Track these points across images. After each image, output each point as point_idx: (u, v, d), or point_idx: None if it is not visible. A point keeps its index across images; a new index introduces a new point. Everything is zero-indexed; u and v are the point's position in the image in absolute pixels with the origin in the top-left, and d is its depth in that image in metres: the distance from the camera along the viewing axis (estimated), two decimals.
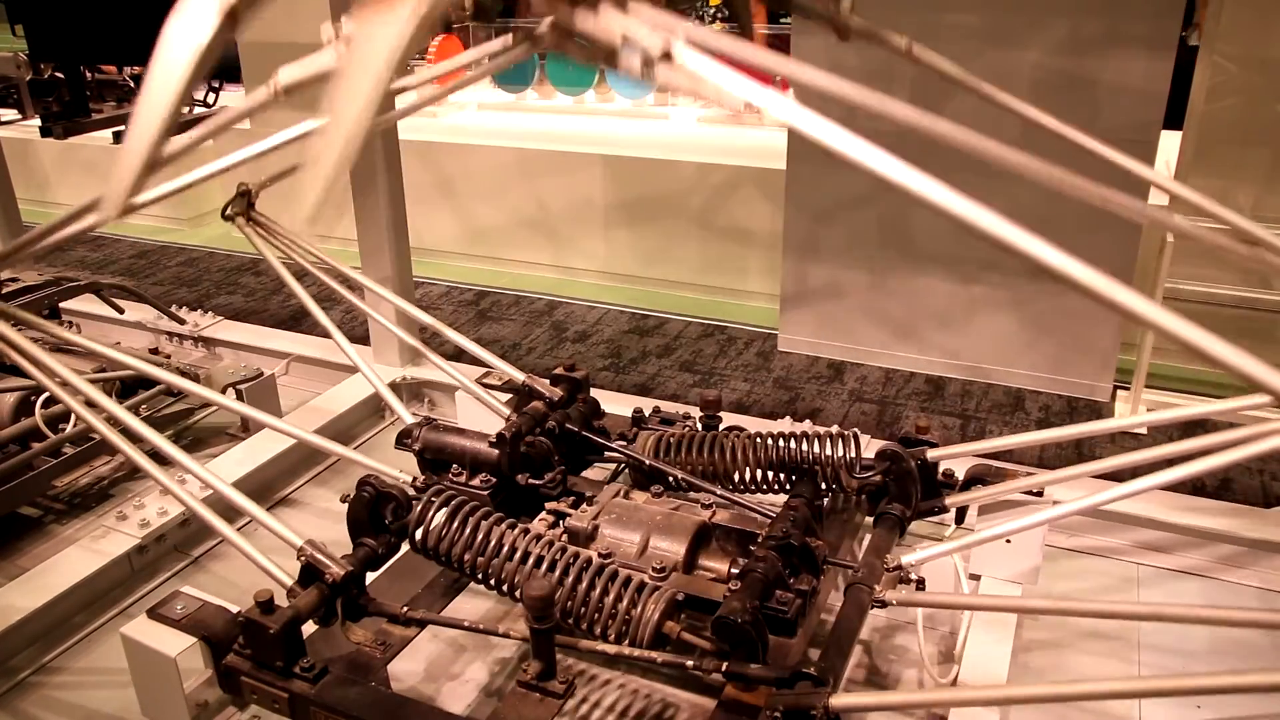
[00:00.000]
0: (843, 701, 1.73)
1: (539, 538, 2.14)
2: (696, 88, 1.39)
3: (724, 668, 1.86)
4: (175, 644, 2.03)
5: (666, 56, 1.38)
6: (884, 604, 2.09)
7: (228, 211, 3.11)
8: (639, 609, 1.99)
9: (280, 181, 3.08)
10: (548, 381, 2.79)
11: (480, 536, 2.15)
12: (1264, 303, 3.76)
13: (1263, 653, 2.56)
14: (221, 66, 7.17)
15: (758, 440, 2.57)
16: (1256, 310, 3.88)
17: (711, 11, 7.93)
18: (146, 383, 3.56)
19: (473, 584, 2.27)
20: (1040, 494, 2.42)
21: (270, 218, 3.12)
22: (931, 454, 2.44)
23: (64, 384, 2.39)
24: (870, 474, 2.44)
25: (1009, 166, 1.67)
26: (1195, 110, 3.55)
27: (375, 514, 2.23)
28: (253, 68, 5.78)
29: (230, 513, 2.27)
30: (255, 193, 3.11)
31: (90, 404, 2.38)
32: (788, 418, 3.55)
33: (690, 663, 1.90)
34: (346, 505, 2.26)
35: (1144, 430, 3.74)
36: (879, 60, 3.92)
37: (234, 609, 2.08)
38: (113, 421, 2.34)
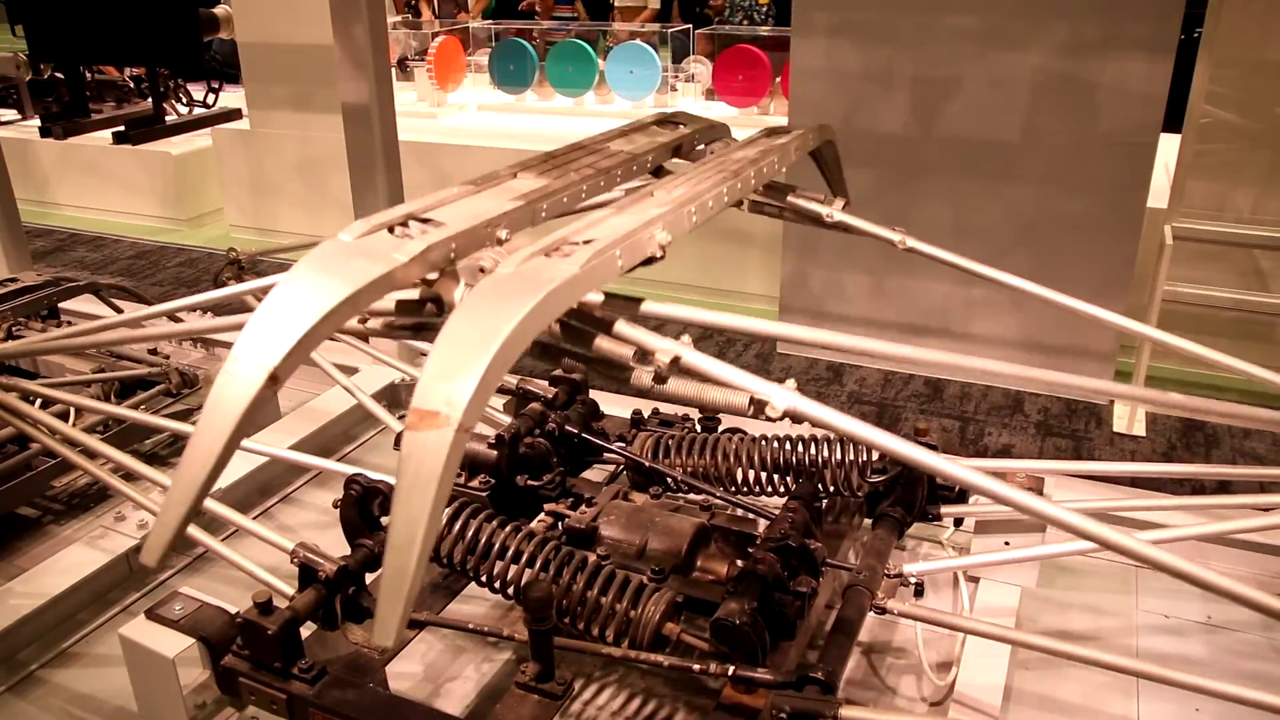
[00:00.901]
0: (852, 714, 1.73)
1: (538, 539, 2.14)
2: (701, 394, 1.58)
3: (730, 671, 1.86)
4: (173, 645, 2.03)
5: (676, 364, 1.53)
6: (884, 611, 2.10)
7: (220, 278, 3.18)
8: (639, 610, 1.99)
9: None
10: (546, 383, 2.79)
11: (479, 538, 2.15)
12: (1262, 305, 3.77)
13: (1262, 655, 2.57)
14: (222, 67, 7.18)
15: (762, 443, 2.57)
16: (1254, 313, 3.89)
17: (762, 11, 7.94)
18: (146, 383, 3.56)
19: (471, 585, 2.27)
20: (1040, 485, 2.43)
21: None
22: None
23: (36, 424, 2.42)
24: (882, 478, 2.43)
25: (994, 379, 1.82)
26: (1194, 113, 3.56)
27: (367, 511, 2.23)
28: (253, 68, 5.79)
29: (219, 520, 2.28)
30: (245, 260, 3.17)
31: (71, 440, 2.41)
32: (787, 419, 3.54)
33: (696, 666, 1.90)
34: (339, 510, 2.26)
35: (1143, 433, 3.74)
36: (879, 61, 3.94)
37: (232, 610, 2.08)
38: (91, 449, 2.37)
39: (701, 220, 1.85)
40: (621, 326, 1.59)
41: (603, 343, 1.58)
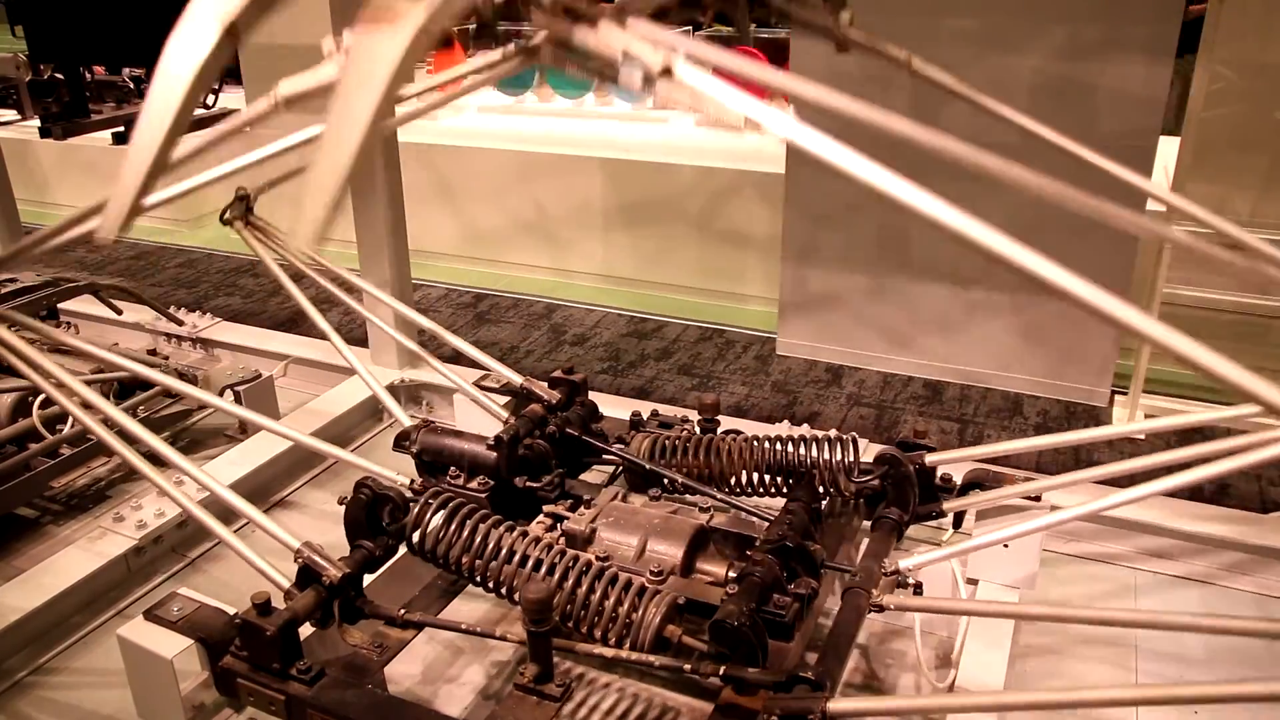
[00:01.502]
0: (840, 706, 1.73)
1: (537, 540, 2.14)
2: (696, 104, 1.40)
3: (722, 671, 1.86)
4: (172, 646, 2.02)
5: (667, 72, 1.39)
6: (881, 609, 2.09)
7: (226, 215, 3.10)
8: (640, 612, 1.99)
9: (279, 185, 3.08)
10: (546, 384, 2.79)
11: (478, 539, 2.15)
12: (1261, 308, 3.77)
13: (1260, 660, 2.56)
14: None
15: (755, 444, 2.57)
16: (1254, 316, 3.89)
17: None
18: (145, 384, 3.56)
19: (470, 586, 2.27)
20: (1038, 499, 2.42)
21: (269, 221, 3.12)
22: (929, 458, 2.44)
23: (60, 385, 2.39)
24: (868, 478, 2.44)
25: (1006, 179, 1.68)
26: (1194, 116, 3.56)
27: (373, 516, 2.23)
28: (253, 69, 5.78)
29: (227, 515, 2.27)
30: (254, 197, 3.11)
31: (86, 405, 2.38)
32: (786, 421, 3.55)
33: (688, 666, 1.90)
34: (344, 508, 2.26)
35: (1142, 435, 3.74)
36: (878, 63, 3.94)
37: (231, 611, 2.08)
38: (109, 423, 2.34)
39: None
40: (609, 26, 1.45)
41: (588, 36, 1.45)
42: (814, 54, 3.97)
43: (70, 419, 3.21)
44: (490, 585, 2.14)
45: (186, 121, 1.20)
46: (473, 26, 1.70)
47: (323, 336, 2.99)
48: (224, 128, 1.88)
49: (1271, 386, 1.22)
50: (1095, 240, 3.74)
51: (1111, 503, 2.21)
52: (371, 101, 1.07)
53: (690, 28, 7.81)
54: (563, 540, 2.25)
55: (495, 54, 1.87)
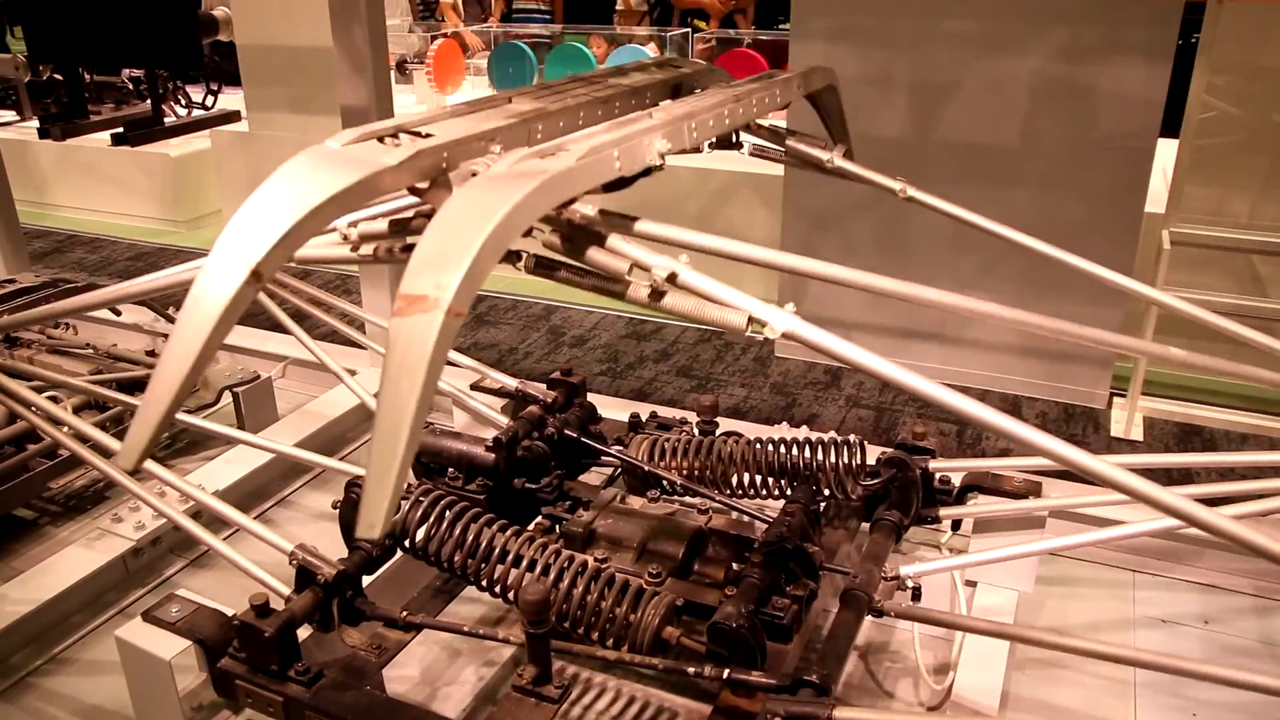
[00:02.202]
0: (846, 715, 1.73)
1: (535, 542, 2.14)
2: (700, 311, 1.52)
3: (725, 674, 1.86)
4: (170, 647, 2.02)
5: (672, 280, 1.51)
6: (881, 613, 2.10)
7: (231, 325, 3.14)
8: (638, 614, 1.99)
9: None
10: (544, 386, 2.79)
11: (476, 540, 2.15)
12: (1260, 310, 3.77)
13: (1260, 659, 2.57)
14: (222, 69, 7.18)
15: (757, 446, 2.57)
16: (1253, 318, 3.89)
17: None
18: (144, 384, 3.56)
19: (468, 588, 2.27)
20: (1038, 494, 2.43)
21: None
22: (932, 465, 2.45)
23: (40, 410, 2.41)
24: (876, 482, 2.43)
25: (996, 320, 1.82)
26: (1192, 118, 3.56)
27: None
28: (252, 70, 5.79)
29: (220, 519, 2.28)
30: None
31: (73, 429, 2.40)
32: (785, 423, 3.55)
33: (691, 669, 1.90)
34: (338, 511, 2.26)
35: (1140, 439, 3.74)
36: (877, 65, 3.94)
37: (229, 612, 2.08)
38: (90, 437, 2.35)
39: (702, 137, 1.81)
40: (617, 240, 1.56)
41: (597, 254, 1.55)
42: (813, 55, 3.97)
43: (64, 428, 3.21)
44: (488, 587, 2.14)
45: (208, 361, 1.26)
46: None
47: (322, 337, 2.99)
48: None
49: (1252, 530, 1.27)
50: (1094, 241, 3.75)
51: (1110, 500, 2.22)
52: (417, 387, 1.13)
53: (689, 30, 7.83)
54: (561, 542, 2.25)
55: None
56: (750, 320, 1.48)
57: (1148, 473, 1.42)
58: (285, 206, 1.28)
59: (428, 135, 1.54)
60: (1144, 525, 2.29)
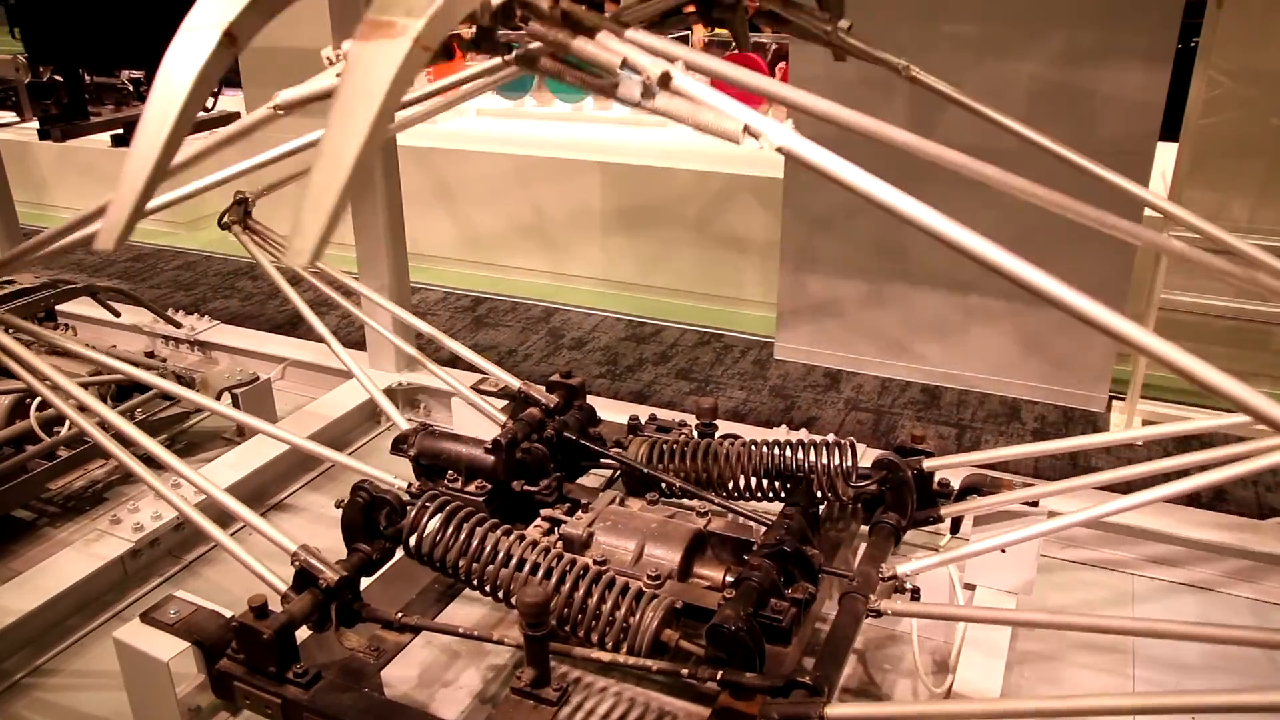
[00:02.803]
0: (838, 712, 1.73)
1: (534, 544, 2.14)
2: (695, 115, 1.39)
3: (719, 676, 1.86)
4: (168, 648, 2.02)
5: (665, 82, 1.39)
6: (879, 614, 2.09)
7: (224, 219, 3.10)
8: (637, 617, 1.98)
9: (278, 189, 3.09)
10: (544, 388, 2.79)
11: (475, 542, 2.14)
12: (1259, 314, 3.77)
13: (1259, 667, 2.56)
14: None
15: (753, 448, 2.57)
16: (1251, 321, 3.89)
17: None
18: (142, 386, 3.56)
19: (467, 590, 2.27)
20: (1035, 504, 2.42)
21: (267, 225, 3.12)
22: (927, 464, 2.44)
23: (56, 388, 2.39)
24: (866, 483, 2.44)
25: (1003, 185, 1.69)
26: (1192, 122, 3.56)
27: (370, 519, 2.23)
28: (252, 71, 5.78)
29: (224, 518, 2.27)
30: (252, 200, 3.11)
31: (83, 408, 2.38)
32: (784, 426, 3.55)
33: (685, 671, 1.90)
34: (341, 511, 2.26)
35: (1139, 441, 3.74)
36: (877, 69, 3.94)
37: (227, 614, 2.07)
38: (106, 426, 2.34)
39: None
40: (609, 37, 1.45)
41: (587, 47, 1.44)
42: (813, 55, 3.98)
43: (67, 421, 3.21)
44: (487, 589, 2.14)
45: (186, 129, 1.19)
46: (472, 33, 1.68)
47: (321, 339, 2.99)
48: (223, 134, 1.89)
49: (1262, 396, 1.21)
50: (1093, 246, 3.75)
51: (1110, 509, 2.21)
52: (370, 114, 1.06)
53: (688, 32, 7.83)
54: (560, 544, 2.25)
55: (493, 61, 1.88)
56: (746, 130, 1.37)
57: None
58: None
59: None
60: (1143, 522, 2.28)
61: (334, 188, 1.05)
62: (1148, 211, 3.84)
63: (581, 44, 1.44)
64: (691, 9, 2.07)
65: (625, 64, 1.40)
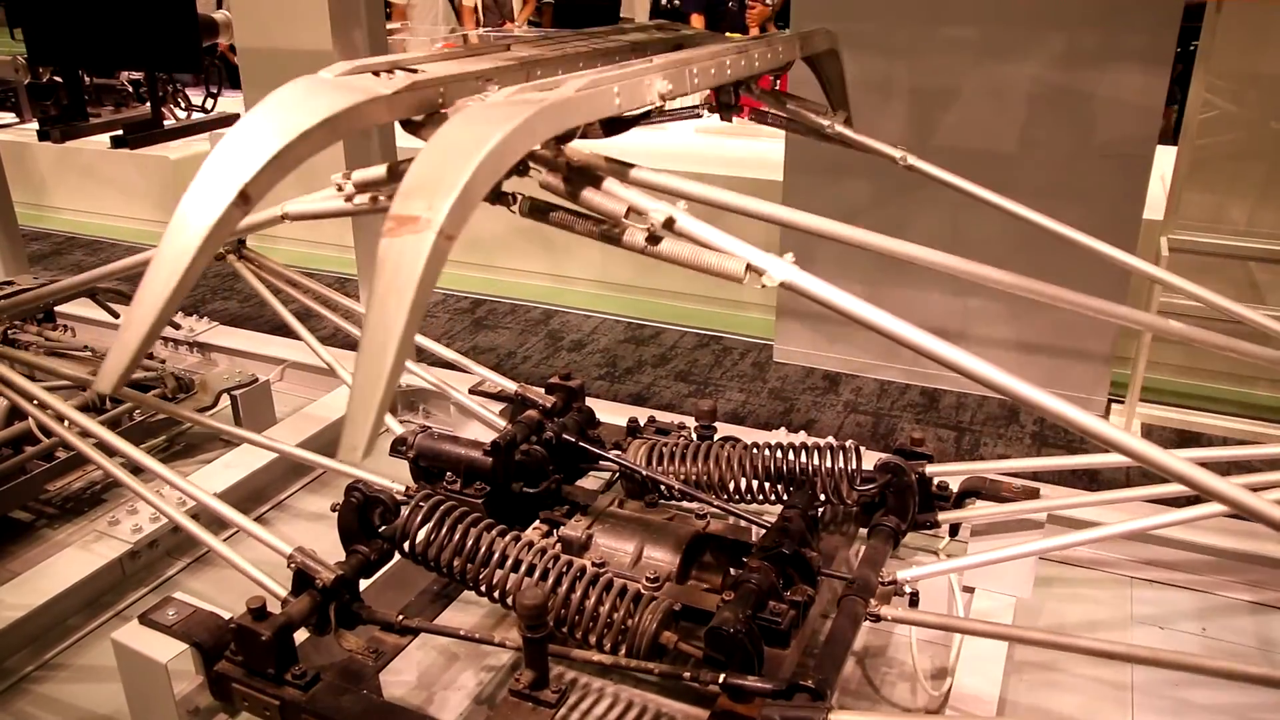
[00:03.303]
0: (842, 719, 1.72)
1: (532, 546, 2.14)
2: (699, 258, 1.49)
3: (721, 679, 1.86)
4: (167, 650, 2.02)
5: (669, 226, 1.47)
6: (878, 618, 2.10)
7: (218, 251, 3.10)
8: (636, 619, 1.98)
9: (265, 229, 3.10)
10: (543, 390, 2.79)
11: (473, 544, 2.14)
12: (1257, 319, 3.77)
13: (1258, 665, 2.56)
14: (220, 71, 7.18)
15: (754, 450, 2.57)
16: (1250, 324, 3.89)
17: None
18: (141, 388, 3.56)
19: (466, 592, 2.27)
20: (1035, 495, 2.43)
21: (260, 254, 3.11)
22: (929, 469, 2.45)
23: (44, 404, 2.41)
24: (870, 487, 2.43)
25: (997, 284, 1.79)
26: (1191, 125, 3.57)
27: (365, 519, 2.23)
28: (251, 73, 5.78)
29: (219, 522, 2.27)
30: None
31: (72, 421, 2.39)
32: (783, 429, 3.55)
33: (687, 674, 1.90)
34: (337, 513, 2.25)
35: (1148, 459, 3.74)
36: (877, 71, 3.95)
37: (226, 615, 2.07)
38: (94, 435, 2.35)
39: (703, 84, 1.77)
40: (614, 184, 1.51)
41: (594, 196, 1.50)
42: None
43: (65, 424, 3.21)
44: (486, 591, 2.14)
45: (192, 282, 1.22)
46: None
47: (320, 341, 2.99)
48: (231, 240, 1.98)
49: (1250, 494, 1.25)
50: (1090, 256, 3.76)
51: (1112, 532, 2.22)
52: (405, 308, 1.10)
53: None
54: (559, 546, 2.25)
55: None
56: (748, 268, 1.44)
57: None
58: (276, 129, 1.25)
59: (424, 73, 1.51)
60: (1143, 525, 2.29)
61: (379, 383, 1.10)
62: (1148, 214, 3.85)
63: (589, 195, 1.51)
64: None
65: (630, 212, 1.47)
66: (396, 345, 1.10)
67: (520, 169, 1.52)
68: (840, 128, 2.27)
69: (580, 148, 1.57)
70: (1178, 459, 1.28)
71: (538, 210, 1.58)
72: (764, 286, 1.44)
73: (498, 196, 1.55)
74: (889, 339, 1.44)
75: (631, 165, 1.60)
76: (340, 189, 1.75)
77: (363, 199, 1.72)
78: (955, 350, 1.43)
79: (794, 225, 1.70)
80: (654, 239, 1.47)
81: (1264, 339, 2.13)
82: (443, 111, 1.49)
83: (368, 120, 1.38)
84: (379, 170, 1.71)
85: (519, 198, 1.57)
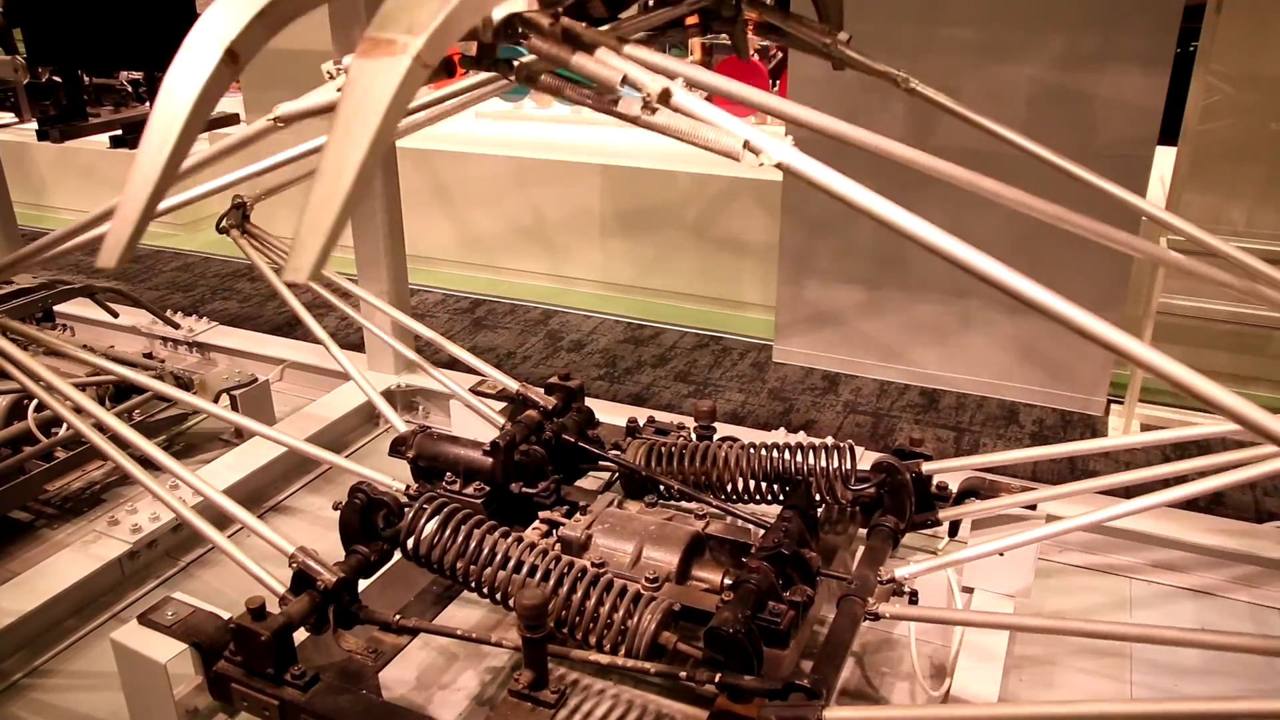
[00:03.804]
0: (836, 715, 1.72)
1: (532, 546, 2.14)
2: (695, 132, 1.41)
3: (717, 678, 1.86)
4: (166, 650, 2.02)
5: (665, 99, 1.40)
6: (877, 617, 2.09)
7: (222, 224, 3.10)
8: (635, 619, 1.98)
9: (276, 194, 3.09)
10: (542, 390, 2.79)
11: (473, 544, 2.14)
12: (1258, 318, 3.77)
13: (1257, 671, 2.56)
14: None
15: (751, 450, 2.57)
16: (1250, 326, 3.90)
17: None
18: (140, 388, 3.55)
19: (465, 592, 2.27)
20: (1034, 508, 2.42)
21: (265, 230, 3.12)
22: (926, 467, 2.45)
23: (51, 389, 2.39)
24: (865, 486, 2.43)
25: (1001, 197, 1.71)
26: (1190, 125, 3.57)
27: (367, 521, 2.23)
28: (250, 73, 5.79)
29: (221, 519, 2.27)
30: (250, 205, 3.11)
31: (79, 410, 2.38)
32: (782, 429, 3.55)
33: (685, 674, 1.90)
34: (339, 513, 2.25)
35: (1139, 446, 3.74)
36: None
37: (225, 615, 2.07)
38: (103, 428, 2.34)
39: None
40: (609, 54, 1.46)
41: (588, 63, 1.45)
42: (812, 61, 3.98)
43: (65, 423, 3.21)
44: (485, 591, 2.14)
45: (188, 147, 1.18)
46: (472, 49, 1.68)
47: (319, 341, 2.99)
48: (222, 145, 1.89)
49: (1254, 406, 1.22)
50: (1091, 250, 3.76)
51: (1108, 515, 2.21)
52: (370, 131, 1.06)
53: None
54: (558, 546, 2.25)
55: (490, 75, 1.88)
56: (746, 145, 1.38)
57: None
58: None
59: None
60: (1141, 526, 2.29)
61: (334, 205, 1.05)
62: (1148, 222, 3.85)
63: (581, 60, 1.45)
64: (693, 21, 2.08)
65: (625, 80, 1.41)
66: (356, 170, 1.05)
67: (510, 31, 1.47)
68: (842, 47, 2.24)
69: None
70: (1207, 382, 1.24)
71: (529, 75, 1.53)
72: (761, 165, 1.38)
73: (494, 63, 1.51)
74: (889, 229, 1.38)
75: (627, 41, 1.55)
76: (332, 77, 1.69)
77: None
78: (960, 245, 1.38)
79: (794, 119, 1.64)
80: (649, 108, 1.41)
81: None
82: None
83: None
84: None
85: (516, 64, 1.50)
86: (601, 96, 1.47)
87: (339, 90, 1.62)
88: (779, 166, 1.37)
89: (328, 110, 1.77)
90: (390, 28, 1.09)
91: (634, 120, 1.42)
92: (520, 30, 1.46)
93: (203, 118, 1.17)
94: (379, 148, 1.07)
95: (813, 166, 1.36)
